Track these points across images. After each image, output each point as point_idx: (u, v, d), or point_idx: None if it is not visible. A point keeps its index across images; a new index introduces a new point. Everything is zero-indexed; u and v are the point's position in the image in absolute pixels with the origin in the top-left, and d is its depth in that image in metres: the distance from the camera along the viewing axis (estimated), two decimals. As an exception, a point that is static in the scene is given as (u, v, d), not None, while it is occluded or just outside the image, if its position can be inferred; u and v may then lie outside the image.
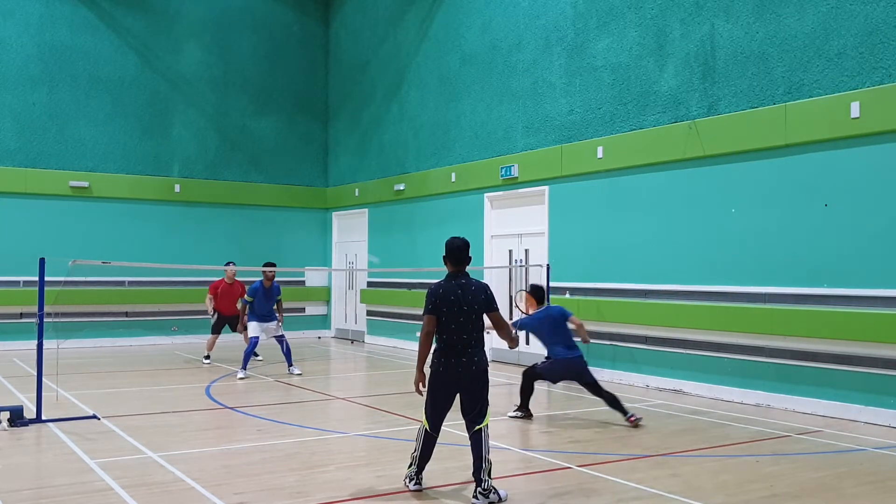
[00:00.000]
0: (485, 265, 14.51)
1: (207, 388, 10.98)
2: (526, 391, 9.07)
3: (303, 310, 19.06)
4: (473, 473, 5.71)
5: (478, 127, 14.82)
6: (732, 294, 10.21)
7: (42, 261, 8.50)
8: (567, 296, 12.54)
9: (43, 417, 8.38)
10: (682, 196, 10.94)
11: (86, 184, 16.70)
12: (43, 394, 8.51)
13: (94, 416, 8.68)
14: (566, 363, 8.86)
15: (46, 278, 8.53)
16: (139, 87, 17.56)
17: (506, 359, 14.14)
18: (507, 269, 14.22)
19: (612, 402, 8.53)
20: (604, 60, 12.16)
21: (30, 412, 8.49)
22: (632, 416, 8.36)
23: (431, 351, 5.87)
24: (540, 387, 11.51)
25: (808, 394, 9.32)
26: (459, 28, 15.32)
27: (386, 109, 17.64)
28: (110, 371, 13.04)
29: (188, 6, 18.19)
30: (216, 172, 18.42)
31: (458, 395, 5.83)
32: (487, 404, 5.82)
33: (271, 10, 19.26)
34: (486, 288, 5.89)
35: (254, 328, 12.42)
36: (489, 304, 5.83)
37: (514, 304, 14.04)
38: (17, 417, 8.18)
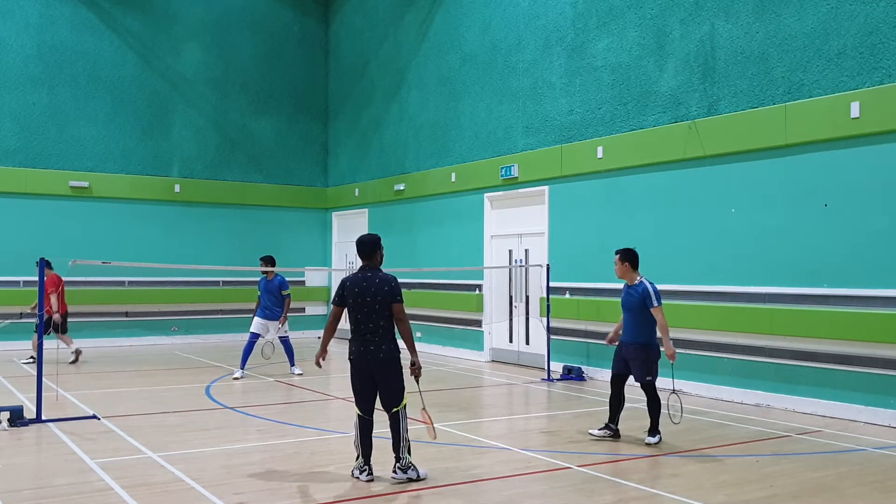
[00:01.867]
0: (485, 265, 14.52)
1: (207, 388, 10.98)
2: (657, 407, 7.69)
3: (303, 310, 19.06)
4: (393, 449, 6.11)
5: (478, 127, 14.82)
6: (732, 294, 10.21)
7: (42, 261, 8.50)
8: (567, 296, 12.55)
9: (43, 417, 8.38)
10: (682, 196, 10.94)
11: (86, 184, 16.70)
12: (43, 394, 8.51)
13: (94, 416, 8.68)
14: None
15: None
16: (139, 87, 17.56)
17: (505, 359, 14.14)
18: (507, 269, 14.22)
19: (618, 407, 7.81)
20: (604, 60, 12.16)
21: (30, 412, 8.49)
22: (613, 433, 7.76)
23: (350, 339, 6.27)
24: (539, 387, 11.54)
25: (808, 394, 9.32)
26: (459, 28, 15.33)
27: (386, 110, 17.64)
28: (110, 371, 13.03)
29: (188, 6, 18.19)
30: (216, 172, 18.42)
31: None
32: (402, 389, 6.17)
33: (271, 10, 19.26)
34: (390, 280, 6.21)
35: (254, 324, 12.33)
36: (392, 296, 6.15)
37: (512, 305, 14.05)
38: (17, 417, 8.18)
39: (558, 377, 12.10)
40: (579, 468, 6.60)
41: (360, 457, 6.17)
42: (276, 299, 12.36)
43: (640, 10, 11.59)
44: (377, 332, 6.09)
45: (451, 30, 15.56)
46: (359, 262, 6.37)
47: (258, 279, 12.84)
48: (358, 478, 6.14)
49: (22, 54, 16.33)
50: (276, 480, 6.17)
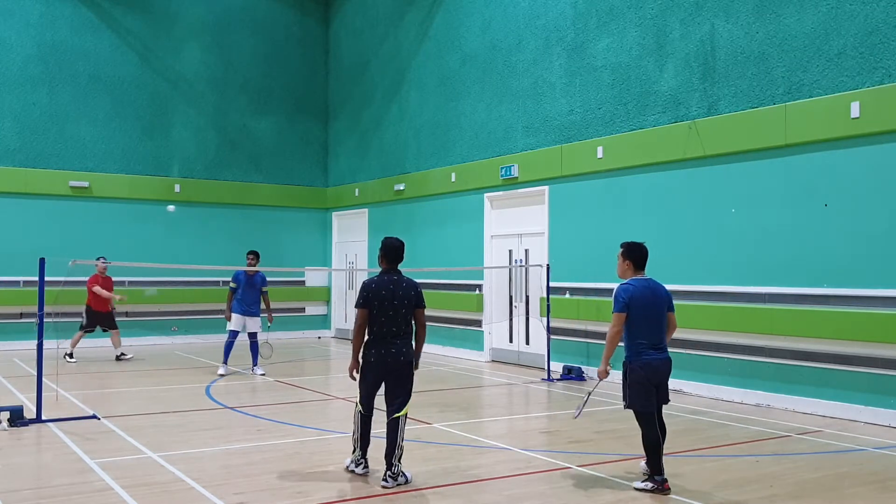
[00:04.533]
0: (485, 265, 14.52)
1: (207, 388, 10.98)
2: (654, 445, 6.00)
3: (303, 310, 19.03)
4: (385, 457, 6.03)
5: (478, 127, 14.82)
6: (732, 294, 10.21)
7: (42, 261, 8.50)
8: (567, 296, 12.55)
9: (43, 417, 8.37)
10: (682, 196, 10.94)
11: (86, 184, 16.69)
12: (43, 394, 8.50)
13: (94, 416, 8.67)
14: (653, 368, 6.16)
15: (46, 278, 8.52)
16: (139, 87, 17.55)
17: (505, 359, 14.14)
18: (507, 269, 14.22)
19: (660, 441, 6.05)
20: (604, 60, 12.16)
21: (30, 412, 8.49)
22: (665, 481, 5.90)
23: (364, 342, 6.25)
24: (539, 387, 11.53)
25: (809, 394, 9.32)
26: (459, 28, 15.32)
27: (386, 109, 17.64)
28: (110, 371, 13.03)
29: (188, 6, 18.18)
30: (216, 172, 18.41)
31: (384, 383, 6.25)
32: (409, 396, 6.22)
33: (271, 10, 19.26)
34: (416, 285, 6.30)
35: (234, 321, 12.20)
36: (418, 301, 6.27)
37: (512, 305, 14.05)
38: (17, 417, 8.17)
39: (558, 377, 12.09)
40: (579, 468, 6.60)
41: (358, 450, 6.23)
42: (257, 295, 12.25)
43: (640, 10, 11.59)
44: (400, 334, 6.14)
45: (451, 30, 15.56)
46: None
47: (239, 273, 12.47)
48: (353, 471, 6.18)
49: (22, 54, 16.32)
50: (276, 480, 6.17)
